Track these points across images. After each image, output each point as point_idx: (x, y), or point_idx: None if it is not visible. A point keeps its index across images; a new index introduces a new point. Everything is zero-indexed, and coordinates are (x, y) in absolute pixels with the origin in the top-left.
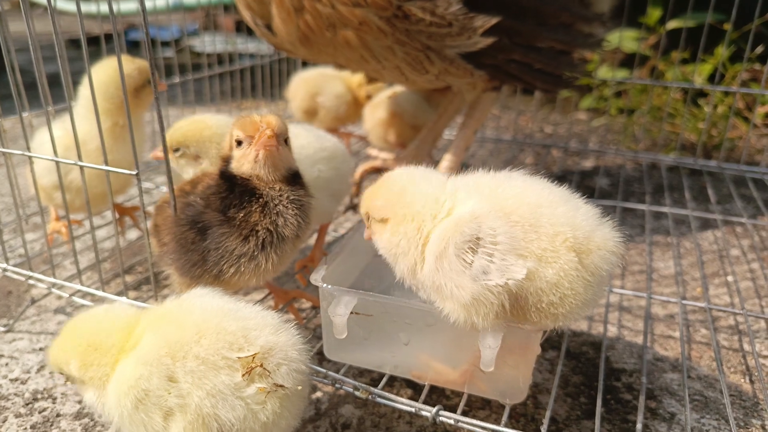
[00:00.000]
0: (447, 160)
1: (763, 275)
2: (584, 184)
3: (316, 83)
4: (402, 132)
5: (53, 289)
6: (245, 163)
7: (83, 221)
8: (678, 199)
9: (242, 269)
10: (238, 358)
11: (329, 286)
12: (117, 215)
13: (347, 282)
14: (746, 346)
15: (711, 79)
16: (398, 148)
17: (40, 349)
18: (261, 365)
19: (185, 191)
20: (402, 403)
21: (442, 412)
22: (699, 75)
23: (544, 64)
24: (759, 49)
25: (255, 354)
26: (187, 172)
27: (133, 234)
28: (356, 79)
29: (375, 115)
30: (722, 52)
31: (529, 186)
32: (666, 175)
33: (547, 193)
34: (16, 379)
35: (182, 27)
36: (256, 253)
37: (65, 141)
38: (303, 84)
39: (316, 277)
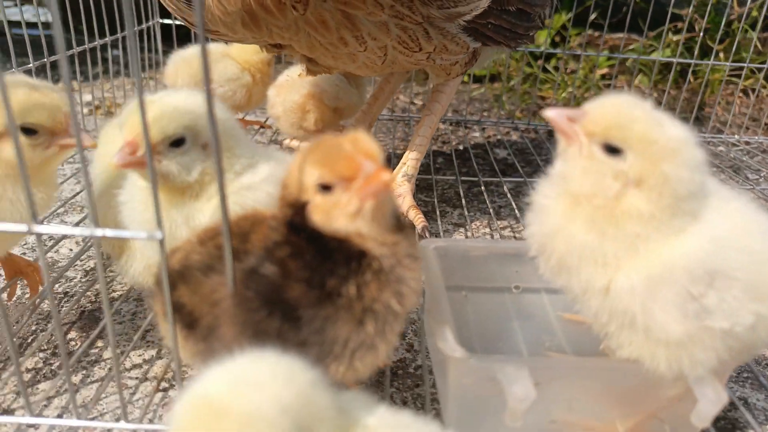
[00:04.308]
0: (416, 149)
1: None
2: (487, 159)
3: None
4: (322, 116)
5: None
6: (340, 217)
7: None
8: None
9: (356, 364)
10: None
11: (482, 357)
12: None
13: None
14: None
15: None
16: (318, 136)
17: None
18: None
19: (242, 249)
20: None
21: None
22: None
23: (511, 24)
24: (593, 16)
25: None
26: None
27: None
28: (253, 54)
29: (287, 98)
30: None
31: (747, 207)
32: (552, 142)
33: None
34: None
35: None
36: (377, 342)
37: None
38: (185, 66)
39: (450, 346)
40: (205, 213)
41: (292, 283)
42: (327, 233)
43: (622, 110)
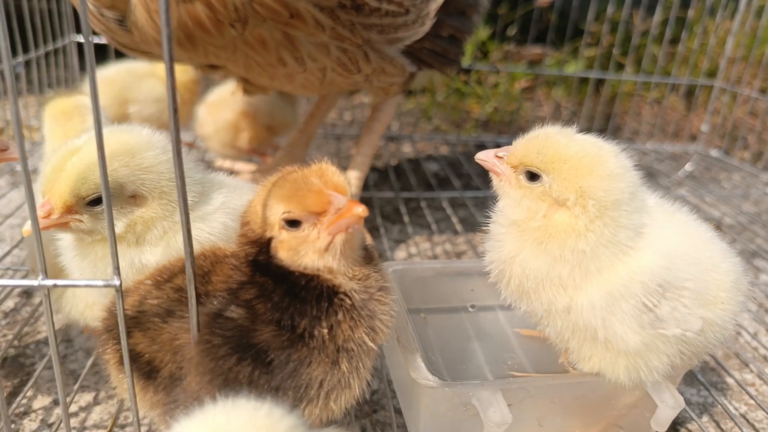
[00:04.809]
0: (358, 168)
1: None
2: (420, 172)
3: (125, 85)
4: (256, 135)
5: None
6: (309, 253)
7: None
8: None
9: (332, 405)
10: None
11: (454, 384)
12: None
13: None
14: None
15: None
16: (251, 155)
17: None
18: None
19: (203, 291)
20: None
21: None
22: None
23: (444, 50)
24: (511, 31)
25: None
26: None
27: None
28: (181, 74)
29: (219, 116)
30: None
31: (689, 219)
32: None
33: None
34: None
35: None
36: (351, 380)
37: None
38: (107, 86)
39: (423, 375)
40: (151, 260)
41: (262, 325)
42: (294, 270)
43: (540, 139)
